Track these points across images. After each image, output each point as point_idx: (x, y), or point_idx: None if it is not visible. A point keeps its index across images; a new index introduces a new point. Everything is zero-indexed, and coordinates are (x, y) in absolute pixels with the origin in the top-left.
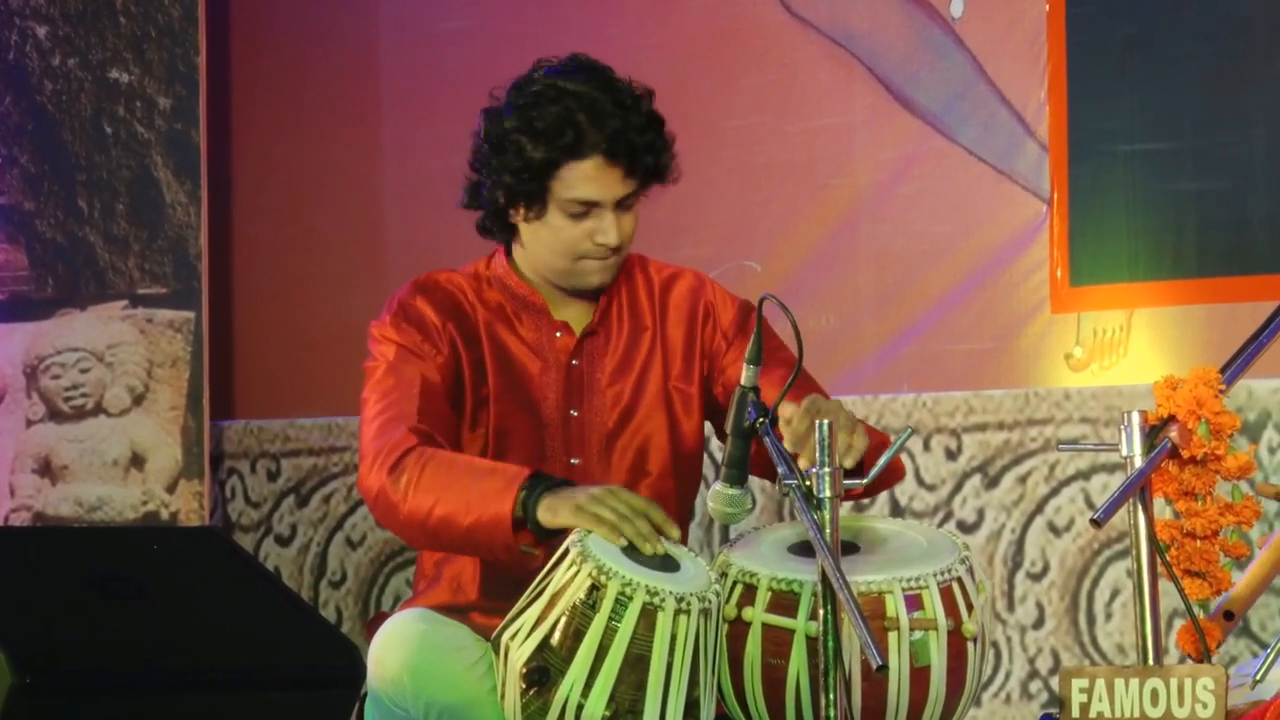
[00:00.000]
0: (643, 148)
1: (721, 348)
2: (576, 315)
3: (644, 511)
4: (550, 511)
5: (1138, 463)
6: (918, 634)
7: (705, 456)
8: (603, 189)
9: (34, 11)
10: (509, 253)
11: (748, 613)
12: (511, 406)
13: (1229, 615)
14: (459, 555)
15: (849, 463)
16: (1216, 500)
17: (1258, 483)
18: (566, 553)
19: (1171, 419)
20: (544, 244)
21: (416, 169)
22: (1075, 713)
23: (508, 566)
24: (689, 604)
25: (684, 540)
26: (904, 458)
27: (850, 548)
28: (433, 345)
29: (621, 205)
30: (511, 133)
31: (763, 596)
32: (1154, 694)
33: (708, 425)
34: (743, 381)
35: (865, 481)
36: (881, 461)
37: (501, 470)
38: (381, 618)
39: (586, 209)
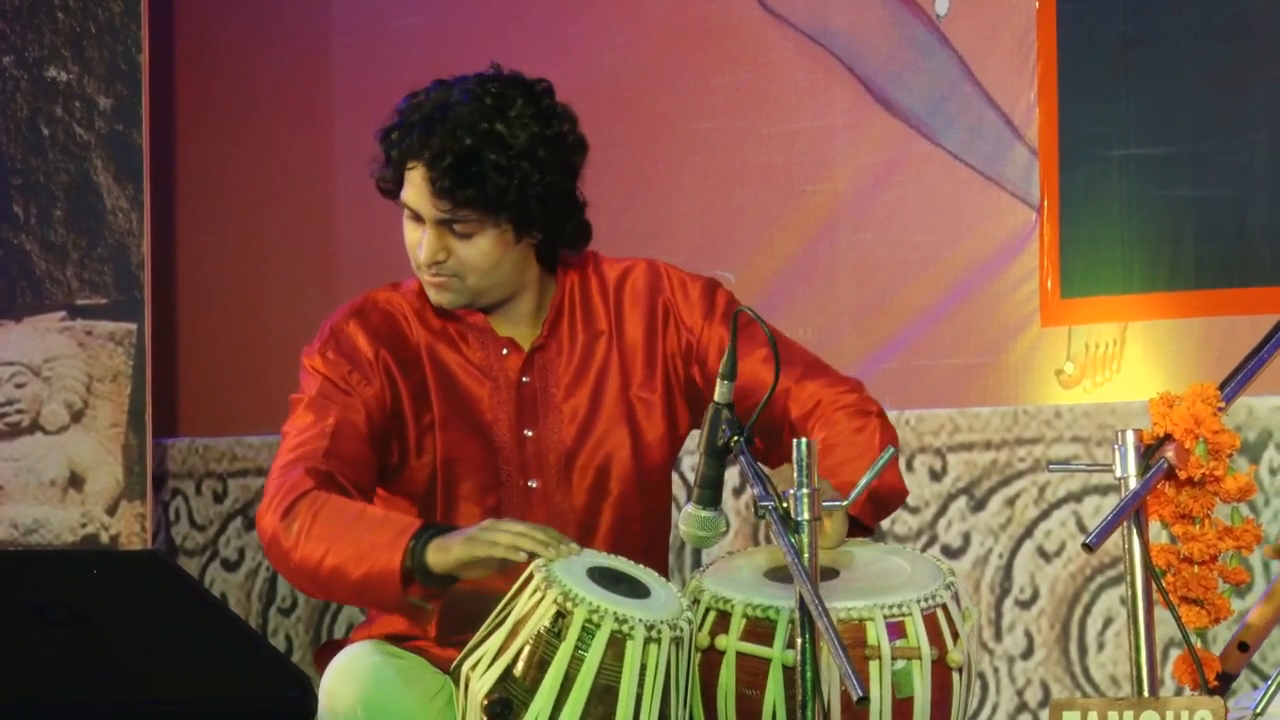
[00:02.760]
0: (451, 167)
1: (690, 343)
2: (522, 331)
3: (539, 529)
4: (441, 551)
5: (1132, 484)
6: (900, 663)
7: (676, 476)
8: (417, 199)
9: None
10: None
11: (721, 641)
12: (460, 433)
13: (1244, 647)
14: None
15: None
16: (1215, 523)
17: (1266, 548)
18: (530, 578)
19: (1168, 438)
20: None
21: (371, 173)
22: None
23: (410, 616)
24: (659, 632)
25: (662, 562)
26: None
27: (829, 573)
28: (362, 376)
29: (446, 226)
30: (391, 122)
31: (737, 624)
32: None
33: (692, 433)
34: (715, 398)
35: (845, 503)
36: (863, 482)
37: (393, 521)
38: (332, 646)
39: (415, 215)
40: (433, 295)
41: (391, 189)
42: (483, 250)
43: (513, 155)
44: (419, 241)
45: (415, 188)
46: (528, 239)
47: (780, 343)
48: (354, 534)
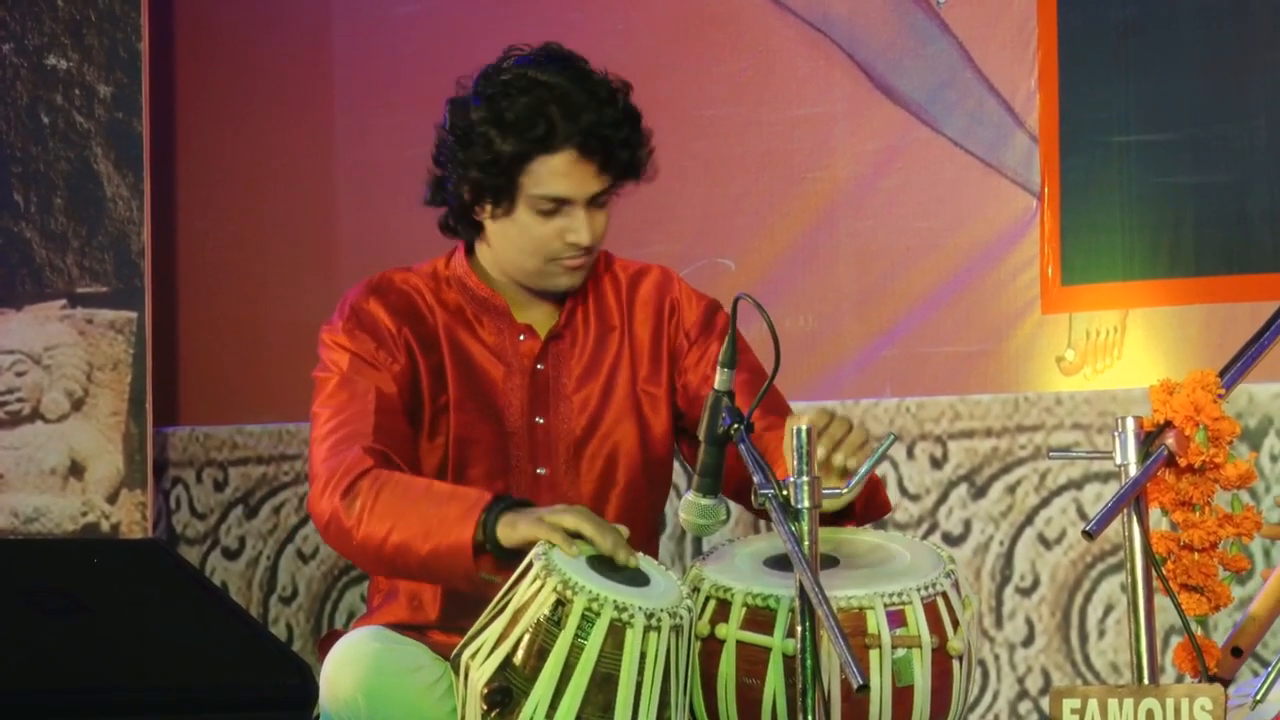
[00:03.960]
0: (618, 143)
1: (684, 347)
2: (541, 318)
3: (604, 531)
4: (510, 527)
5: (1132, 471)
6: (900, 652)
7: (675, 465)
8: (575, 185)
9: None
10: (469, 251)
11: (721, 630)
12: (473, 415)
13: (1237, 652)
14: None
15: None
16: (1215, 511)
17: (1264, 525)
18: (530, 566)
19: (1168, 425)
20: (512, 243)
21: (372, 161)
22: None
23: (466, 593)
24: (659, 620)
25: (654, 553)
26: (886, 466)
27: (830, 561)
28: (388, 353)
29: (594, 203)
30: (479, 124)
31: (737, 612)
32: (1149, 714)
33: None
34: (716, 386)
35: (844, 491)
36: (865, 468)
37: (462, 495)
38: (334, 636)
39: (557, 206)
40: (565, 280)
41: (499, 193)
42: (607, 219)
43: (628, 112)
44: (561, 230)
45: (560, 175)
46: None
47: (755, 377)
48: (421, 509)
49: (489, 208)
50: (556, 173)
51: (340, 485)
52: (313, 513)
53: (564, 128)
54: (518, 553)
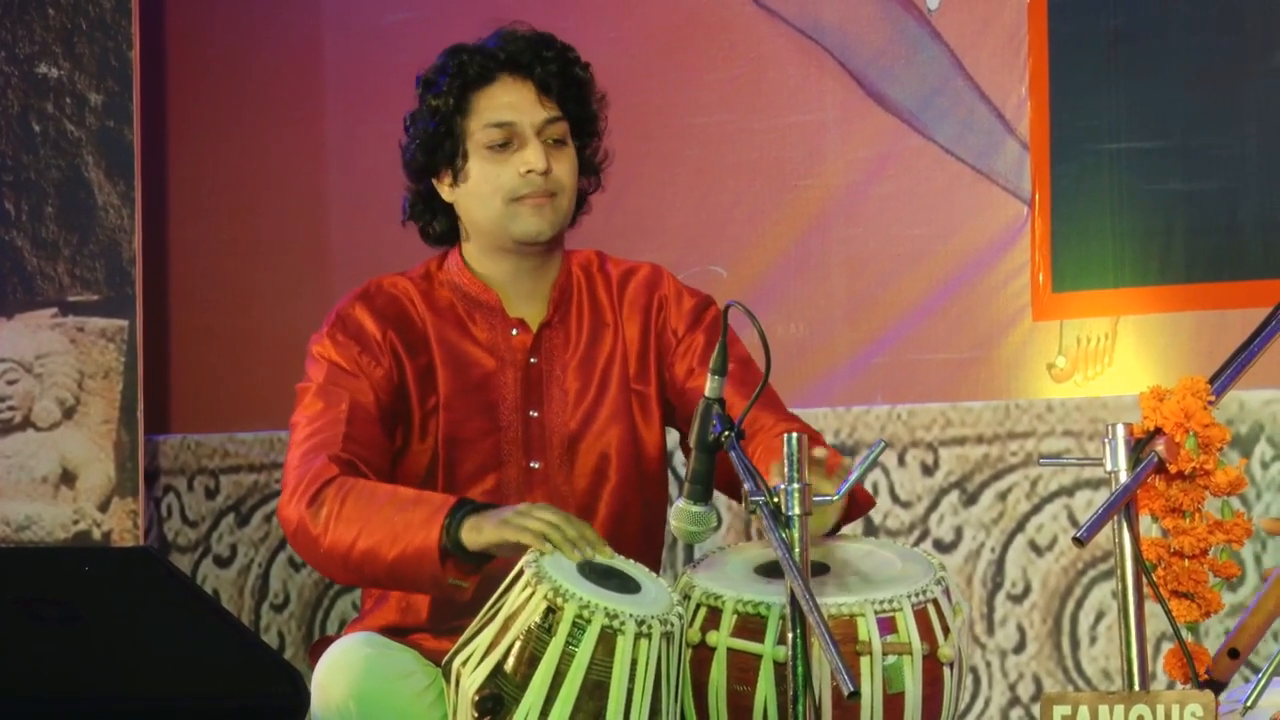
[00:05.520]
0: (549, 61)
1: (671, 343)
2: (533, 312)
3: (572, 522)
4: (474, 530)
5: (1123, 478)
6: (891, 659)
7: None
8: (516, 108)
9: None
10: (461, 251)
11: (712, 637)
12: (465, 411)
13: (1234, 654)
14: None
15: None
16: (1205, 518)
17: (1265, 520)
18: (520, 574)
19: (1158, 432)
20: (475, 198)
21: (363, 169)
22: None
23: (447, 595)
24: (650, 627)
25: (655, 556)
26: (878, 473)
27: (820, 568)
28: (371, 357)
29: (545, 136)
30: (420, 100)
31: (728, 620)
32: None
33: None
34: (707, 393)
35: (836, 497)
36: (855, 475)
37: (426, 499)
38: (325, 643)
39: (506, 138)
40: (531, 223)
41: (448, 151)
42: (571, 164)
43: (575, 59)
44: (514, 169)
45: (508, 103)
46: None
47: (742, 367)
48: (386, 515)
49: (447, 175)
50: (494, 100)
51: (306, 493)
52: (280, 519)
53: (493, 58)
54: (483, 557)
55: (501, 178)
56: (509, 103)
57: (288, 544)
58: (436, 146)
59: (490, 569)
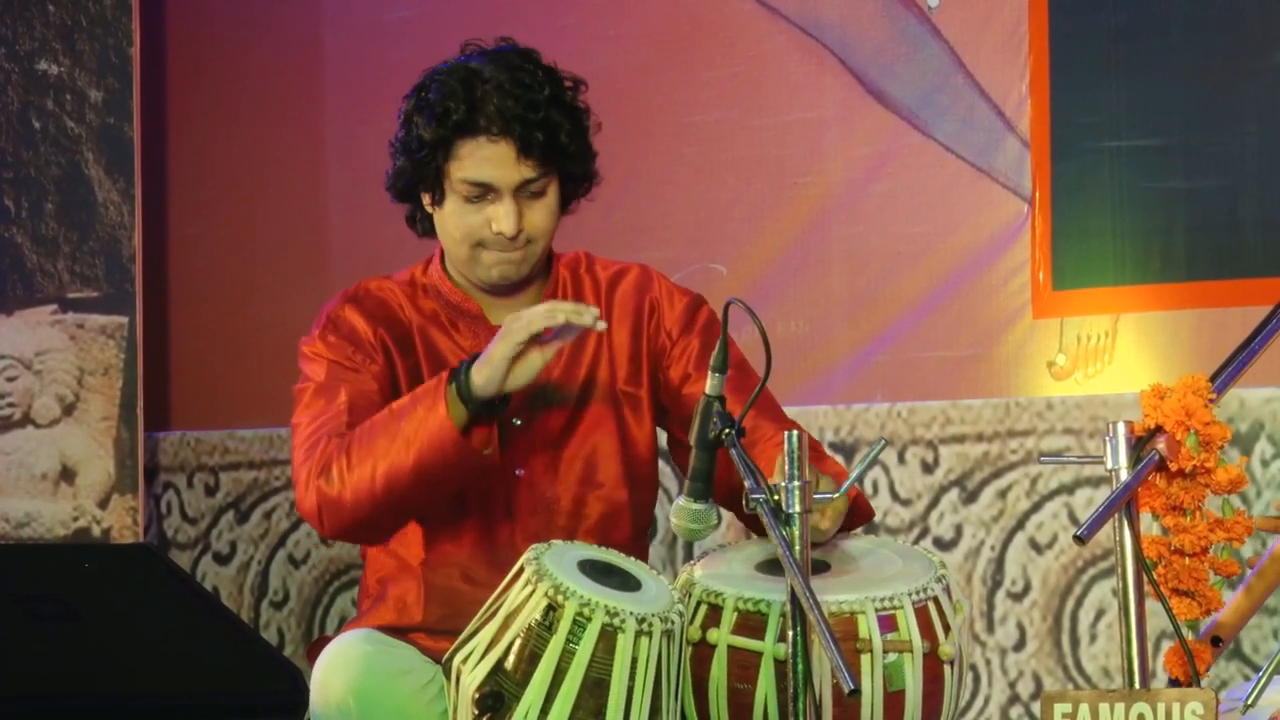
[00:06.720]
0: (535, 125)
1: (665, 346)
2: None
3: (561, 306)
4: (485, 365)
5: (1123, 476)
6: (892, 656)
7: (667, 468)
8: (495, 170)
9: None
10: (444, 259)
11: (713, 634)
12: None
13: (1216, 641)
14: (410, 526)
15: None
16: (1206, 516)
17: (1257, 517)
18: (521, 571)
19: (1159, 430)
20: (446, 232)
21: (362, 166)
22: None
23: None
24: (651, 625)
25: (644, 558)
26: (878, 471)
27: (821, 566)
28: (366, 355)
29: (524, 192)
30: (411, 114)
31: (729, 617)
32: (1141, 719)
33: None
34: (707, 391)
35: (837, 496)
36: (856, 472)
37: (420, 391)
38: (323, 641)
39: (482, 192)
40: (497, 271)
41: (429, 181)
42: (550, 208)
43: (556, 99)
44: (488, 218)
45: (488, 160)
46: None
47: (740, 373)
48: (389, 430)
49: (427, 197)
50: (475, 157)
51: (315, 470)
52: (303, 511)
53: (481, 111)
54: (502, 399)
55: (471, 224)
56: (487, 158)
57: (287, 541)
58: (419, 173)
59: (462, 575)
